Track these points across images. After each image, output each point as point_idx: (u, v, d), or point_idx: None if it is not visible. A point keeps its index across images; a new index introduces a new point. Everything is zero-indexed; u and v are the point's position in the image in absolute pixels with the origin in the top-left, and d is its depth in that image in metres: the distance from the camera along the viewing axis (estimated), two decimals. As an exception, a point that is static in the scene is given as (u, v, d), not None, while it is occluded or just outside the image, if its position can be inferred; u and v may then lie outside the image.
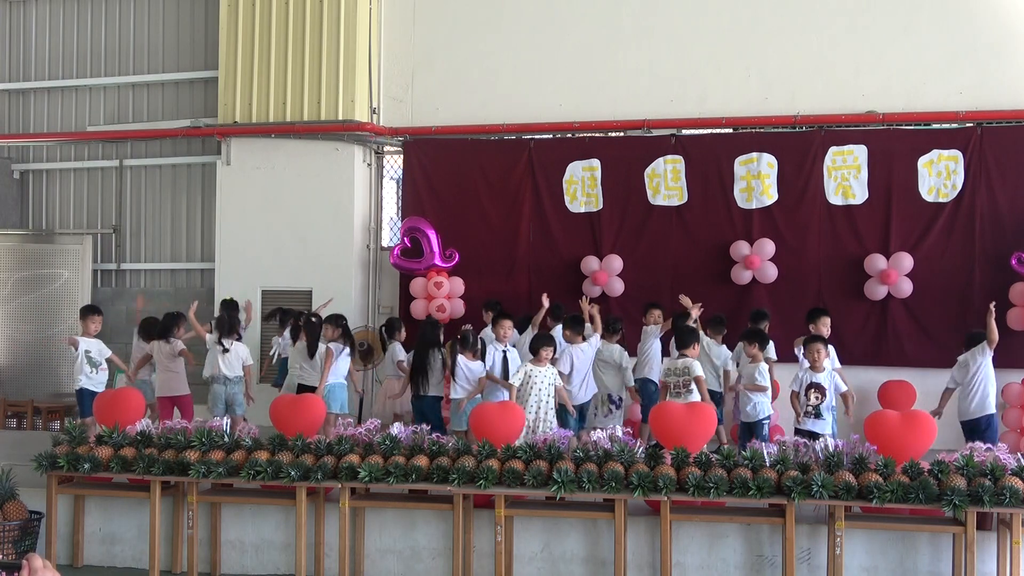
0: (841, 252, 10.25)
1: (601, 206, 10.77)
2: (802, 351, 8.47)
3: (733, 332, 9.54)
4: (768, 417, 8.51)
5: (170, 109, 12.53)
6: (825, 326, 9.02)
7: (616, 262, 10.56)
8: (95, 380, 9.44)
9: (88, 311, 9.80)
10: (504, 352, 8.94)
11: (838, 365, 9.01)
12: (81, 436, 7.59)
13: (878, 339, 10.00)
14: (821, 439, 7.10)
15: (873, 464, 6.60)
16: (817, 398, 8.10)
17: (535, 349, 8.40)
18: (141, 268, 12.59)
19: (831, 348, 8.93)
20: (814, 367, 8.20)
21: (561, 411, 8.57)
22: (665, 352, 9.48)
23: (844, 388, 8.45)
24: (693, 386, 8.08)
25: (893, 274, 9.87)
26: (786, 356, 9.34)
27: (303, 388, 9.07)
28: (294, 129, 11.27)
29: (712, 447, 7.24)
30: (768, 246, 10.18)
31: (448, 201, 11.17)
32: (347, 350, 9.32)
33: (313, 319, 9.40)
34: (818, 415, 8.09)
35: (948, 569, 6.76)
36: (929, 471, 6.52)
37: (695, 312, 9.08)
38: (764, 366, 8.56)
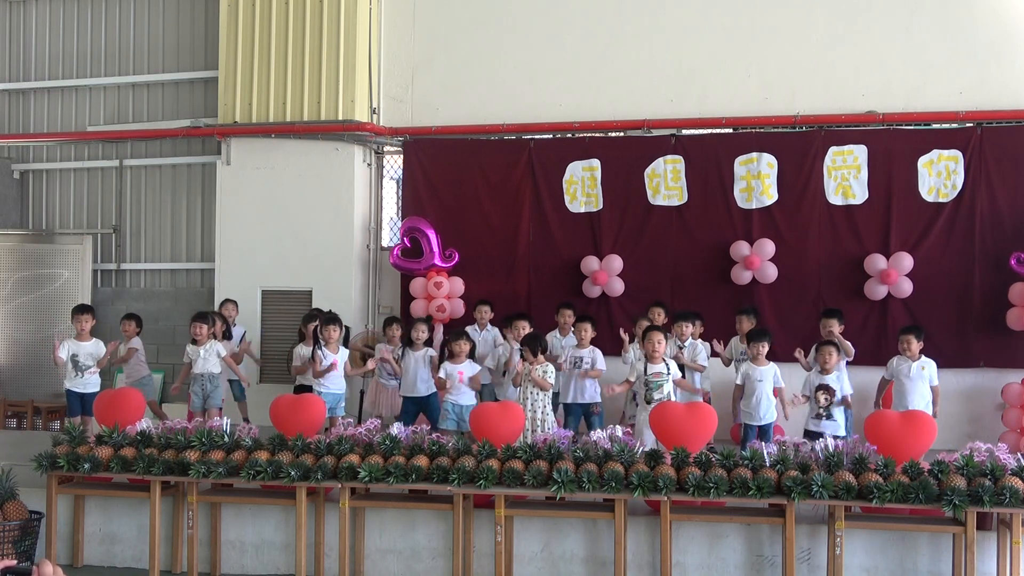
0: (841, 252, 10.24)
1: (601, 206, 10.76)
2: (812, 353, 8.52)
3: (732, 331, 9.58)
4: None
5: (170, 109, 12.53)
6: (828, 327, 9.06)
7: (616, 262, 10.55)
8: (77, 382, 9.41)
9: (77, 310, 9.72)
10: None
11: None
12: (81, 436, 7.60)
13: (878, 339, 9.97)
14: (821, 439, 7.10)
15: (873, 464, 6.60)
16: (827, 399, 8.12)
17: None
18: (141, 268, 12.59)
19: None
20: (824, 369, 8.21)
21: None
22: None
23: (850, 391, 8.48)
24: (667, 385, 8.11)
25: (893, 274, 9.86)
26: (788, 357, 9.26)
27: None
28: (294, 129, 11.26)
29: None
30: (768, 246, 10.17)
31: (448, 201, 11.16)
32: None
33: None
34: (829, 416, 8.10)
35: (948, 569, 6.76)
36: (929, 471, 6.52)
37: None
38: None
